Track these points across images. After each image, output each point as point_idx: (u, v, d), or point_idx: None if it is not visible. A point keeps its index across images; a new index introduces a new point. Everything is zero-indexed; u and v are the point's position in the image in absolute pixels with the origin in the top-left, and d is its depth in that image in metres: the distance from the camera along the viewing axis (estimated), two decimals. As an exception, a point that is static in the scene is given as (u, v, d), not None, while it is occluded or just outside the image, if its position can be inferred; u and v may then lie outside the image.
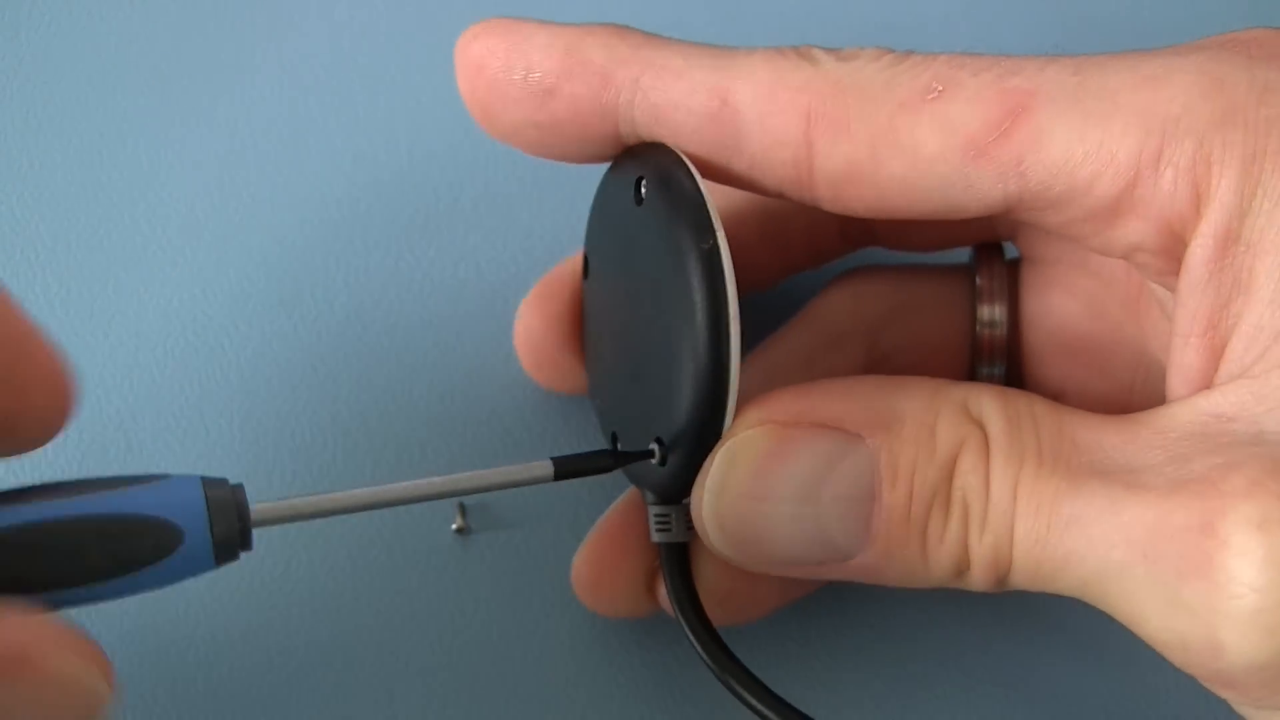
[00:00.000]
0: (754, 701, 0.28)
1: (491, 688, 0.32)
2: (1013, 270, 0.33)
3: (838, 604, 0.33)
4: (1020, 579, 0.26)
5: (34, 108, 0.37)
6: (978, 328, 0.33)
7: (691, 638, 0.29)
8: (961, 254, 0.34)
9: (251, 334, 0.35)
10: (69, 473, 0.34)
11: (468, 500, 0.34)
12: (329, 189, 0.37)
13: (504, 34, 0.28)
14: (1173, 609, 0.24)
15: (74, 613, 0.24)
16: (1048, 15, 0.40)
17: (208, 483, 0.25)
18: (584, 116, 0.28)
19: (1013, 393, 0.26)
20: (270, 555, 0.33)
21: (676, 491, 0.28)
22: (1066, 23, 0.40)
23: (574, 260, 0.33)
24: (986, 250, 0.33)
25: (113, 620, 0.32)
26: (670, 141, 0.28)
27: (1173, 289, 0.27)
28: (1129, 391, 0.32)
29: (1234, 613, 0.23)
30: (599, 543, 0.32)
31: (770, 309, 0.34)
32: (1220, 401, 0.25)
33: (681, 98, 0.27)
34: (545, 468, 0.28)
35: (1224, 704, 0.26)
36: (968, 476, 0.25)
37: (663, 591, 0.30)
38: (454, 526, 0.34)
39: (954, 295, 0.34)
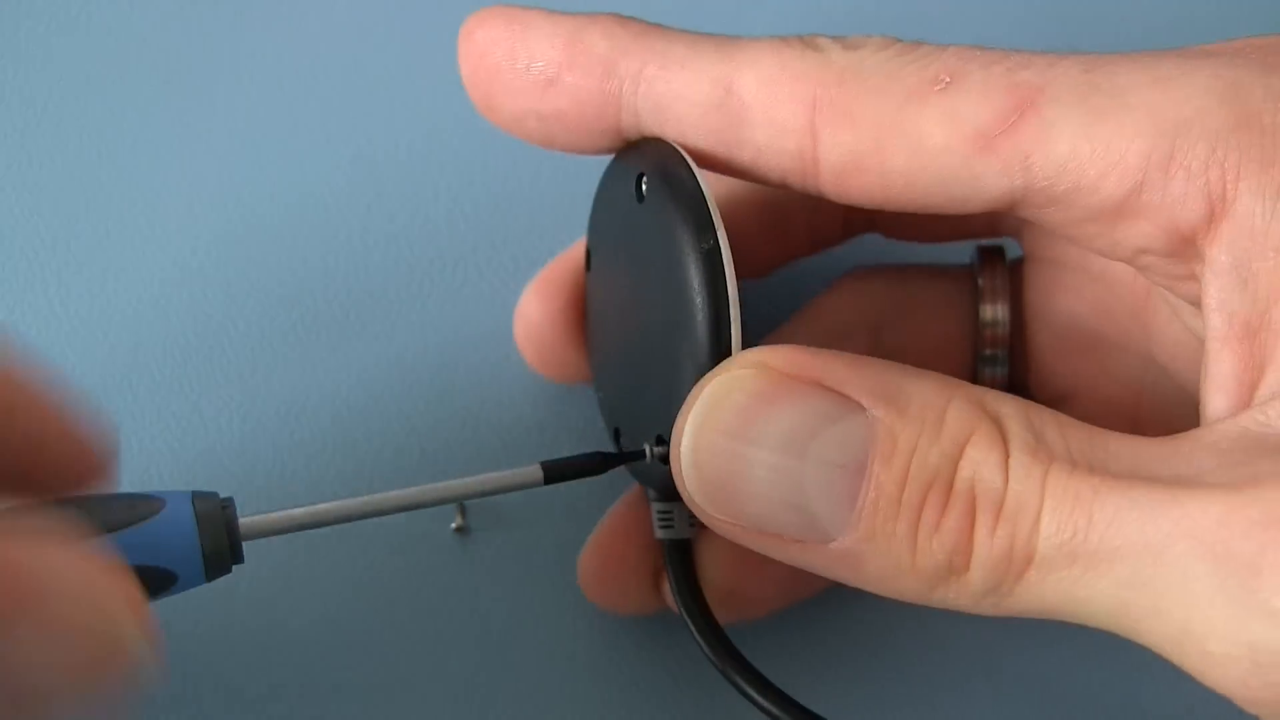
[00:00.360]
0: (758, 697, 0.27)
1: (491, 686, 0.32)
2: (1015, 270, 0.33)
3: (843, 603, 0.33)
4: (1037, 583, 0.23)
5: (34, 108, 0.37)
6: (981, 327, 0.33)
7: (695, 634, 0.28)
8: (963, 254, 0.34)
9: (250, 333, 0.35)
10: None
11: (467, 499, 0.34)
12: (329, 187, 0.37)
13: (507, 22, 0.28)
14: (1245, 613, 0.21)
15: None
16: (1055, 14, 0.40)
17: (199, 505, 0.25)
18: (586, 106, 0.28)
19: (1034, 404, 0.25)
20: (270, 555, 0.33)
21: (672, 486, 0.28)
22: (1075, 22, 0.40)
23: (576, 250, 0.33)
24: (989, 251, 0.33)
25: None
26: (673, 133, 0.28)
27: (1180, 293, 0.27)
28: (1137, 394, 0.31)
29: None
30: (604, 539, 0.32)
31: (773, 298, 0.34)
32: (1271, 419, 0.23)
33: (685, 88, 0.27)
34: (535, 473, 0.28)
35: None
36: (979, 466, 0.23)
37: (667, 588, 0.30)
38: (454, 525, 0.34)
39: (957, 295, 0.33)
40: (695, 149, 0.27)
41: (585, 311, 0.32)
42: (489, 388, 0.35)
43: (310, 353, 0.35)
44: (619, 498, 0.33)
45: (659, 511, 0.29)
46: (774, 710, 0.27)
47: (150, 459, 0.34)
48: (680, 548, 0.29)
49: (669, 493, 0.28)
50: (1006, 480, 0.23)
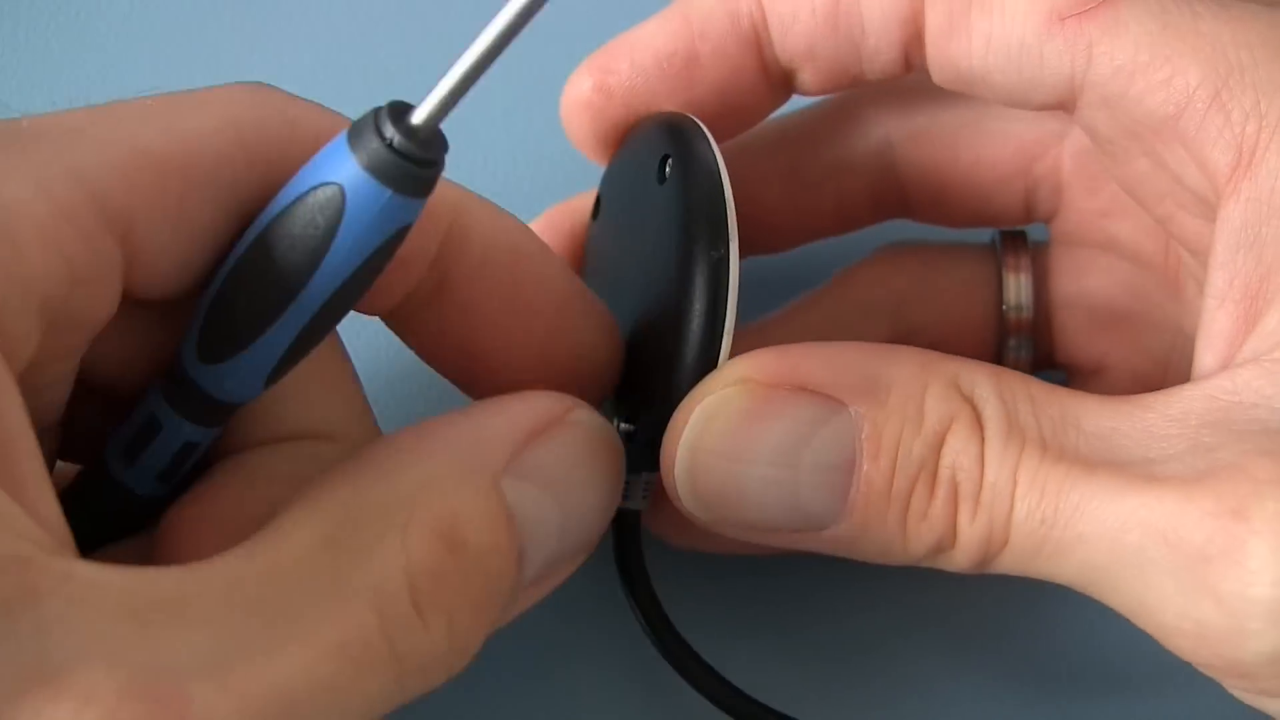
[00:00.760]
0: (696, 678, 0.29)
1: (492, 685, 0.32)
2: (1040, 253, 0.33)
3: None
4: (1010, 562, 0.25)
5: (34, 108, 0.37)
6: (1004, 307, 0.33)
7: (635, 608, 0.29)
8: (987, 238, 0.34)
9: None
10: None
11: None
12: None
13: (607, 55, 0.30)
14: (1193, 596, 0.23)
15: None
16: None
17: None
18: (733, 57, 0.29)
19: (1007, 373, 0.26)
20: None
21: (641, 465, 0.28)
22: None
23: (583, 197, 0.33)
24: (1009, 234, 0.34)
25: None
26: (801, 45, 0.29)
27: (1193, 248, 0.27)
28: (1164, 367, 0.31)
29: (1264, 599, 0.22)
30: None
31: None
32: (1238, 386, 0.24)
33: None
34: None
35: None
36: (959, 455, 0.25)
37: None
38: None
39: (982, 273, 0.34)
40: (822, 58, 0.29)
41: (584, 256, 0.32)
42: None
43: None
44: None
45: None
46: (712, 691, 0.29)
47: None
48: (629, 518, 0.29)
49: (631, 466, 0.28)
50: (983, 470, 0.24)
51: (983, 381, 0.25)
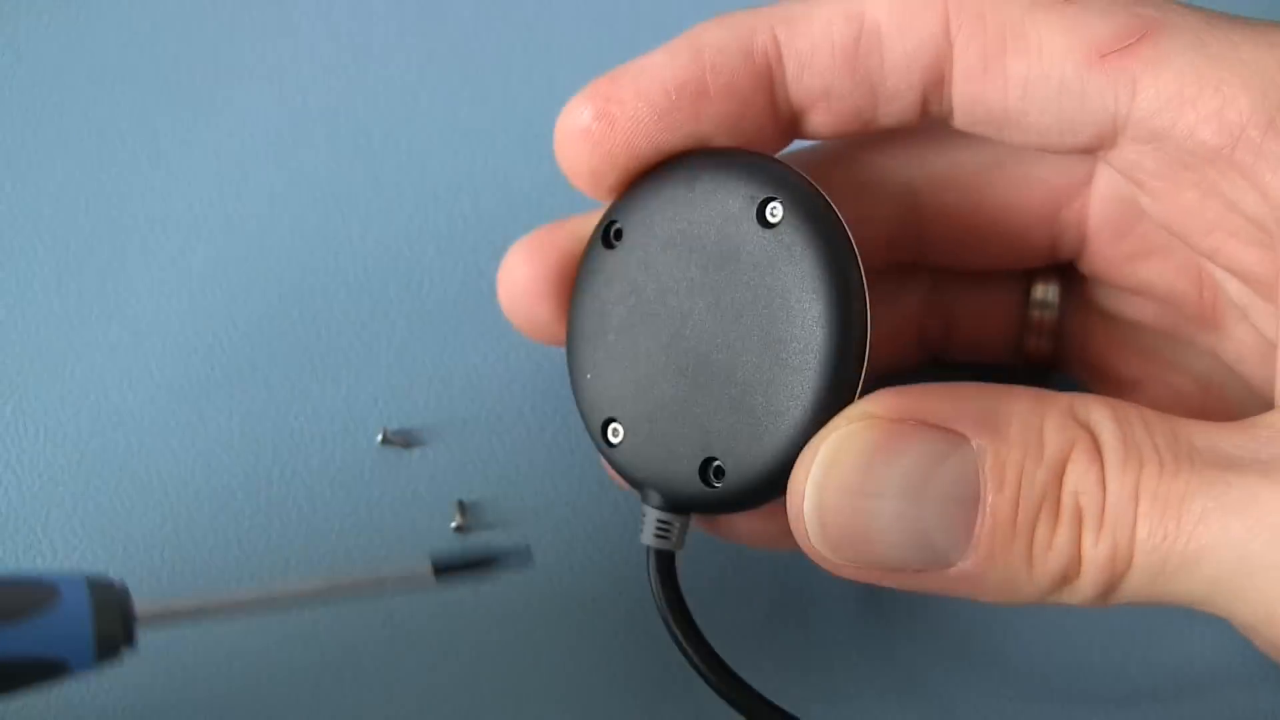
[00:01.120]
0: (744, 704, 0.28)
1: (491, 684, 0.32)
2: (1075, 278, 0.33)
3: (844, 616, 0.33)
4: (1138, 583, 0.25)
5: (34, 108, 0.37)
6: (1030, 306, 0.33)
7: (683, 645, 0.29)
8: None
9: (250, 332, 0.35)
10: (71, 472, 0.34)
11: (467, 498, 0.34)
12: (328, 187, 0.37)
13: (611, 83, 0.28)
14: None
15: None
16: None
17: (96, 597, 0.25)
18: (743, 93, 0.28)
19: (1119, 401, 0.26)
20: (270, 554, 0.33)
21: (708, 509, 0.28)
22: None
23: (578, 220, 0.31)
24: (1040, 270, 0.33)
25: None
26: (819, 84, 0.28)
27: (1250, 282, 0.27)
28: (1205, 388, 0.31)
29: None
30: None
31: None
32: None
33: (820, 35, 0.28)
34: (423, 572, 0.28)
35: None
36: (1080, 479, 0.25)
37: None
38: (453, 525, 0.34)
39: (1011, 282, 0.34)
40: (838, 98, 0.28)
41: (585, 282, 0.30)
42: (490, 385, 0.35)
43: (310, 351, 0.35)
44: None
45: (658, 521, 0.29)
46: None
47: (149, 456, 0.34)
48: (667, 558, 0.29)
49: (682, 506, 0.29)
50: (1104, 493, 0.24)
51: (1097, 409, 0.25)
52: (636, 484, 0.29)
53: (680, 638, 0.29)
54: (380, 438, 0.34)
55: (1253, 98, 0.25)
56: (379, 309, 0.36)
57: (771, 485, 0.27)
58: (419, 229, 0.36)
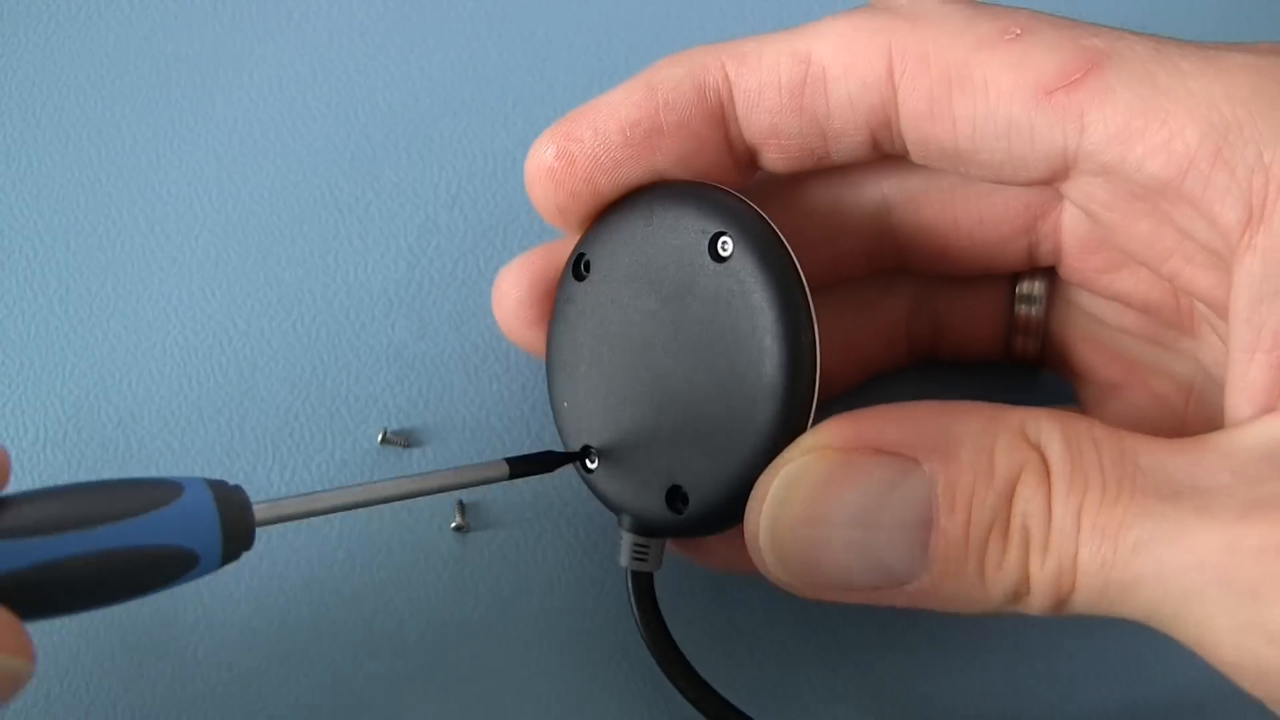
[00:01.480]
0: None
1: (491, 684, 0.32)
2: (1057, 284, 0.33)
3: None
4: (1082, 604, 0.25)
5: (34, 108, 0.37)
6: (1016, 300, 0.33)
7: (660, 662, 0.30)
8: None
9: (250, 332, 0.35)
10: (71, 472, 0.34)
11: (467, 499, 0.34)
12: (328, 188, 0.37)
13: (571, 123, 0.29)
14: (1248, 632, 0.23)
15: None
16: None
17: (218, 495, 0.25)
18: (697, 130, 0.29)
19: (1071, 417, 0.26)
20: (270, 554, 0.33)
21: (676, 534, 0.29)
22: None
23: (562, 245, 0.32)
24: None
25: (112, 619, 0.32)
26: (765, 124, 0.28)
27: (1207, 301, 0.27)
28: (1187, 391, 0.32)
29: None
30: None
31: None
32: None
33: (768, 74, 0.28)
34: (500, 468, 0.29)
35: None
36: (1028, 503, 0.25)
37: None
38: (453, 525, 0.34)
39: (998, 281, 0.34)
40: (787, 136, 0.28)
41: (560, 311, 0.31)
42: (489, 386, 0.35)
43: (310, 352, 0.35)
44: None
45: (635, 544, 0.30)
46: None
47: (150, 456, 0.34)
48: (645, 579, 0.30)
49: (652, 530, 0.29)
50: (1050, 515, 0.25)
51: (1048, 428, 0.25)
52: (612, 509, 0.30)
53: (659, 656, 0.30)
54: (380, 438, 0.34)
55: (1200, 129, 0.25)
56: (379, 309, 0.36)
57: (732, 513, 0.28)
58: (419, 229, 0.36)
